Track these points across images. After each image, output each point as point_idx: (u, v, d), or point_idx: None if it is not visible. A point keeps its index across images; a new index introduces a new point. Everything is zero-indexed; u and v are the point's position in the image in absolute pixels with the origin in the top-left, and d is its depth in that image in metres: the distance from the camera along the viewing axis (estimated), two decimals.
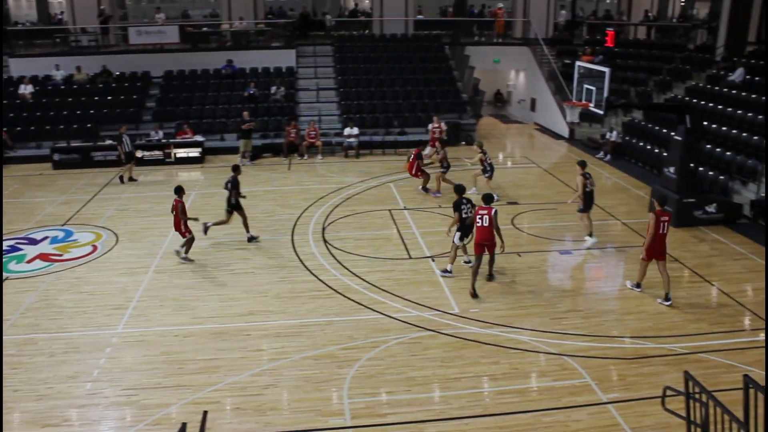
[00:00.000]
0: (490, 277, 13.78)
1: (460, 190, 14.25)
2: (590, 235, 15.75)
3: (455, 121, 26.95)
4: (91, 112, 26.19)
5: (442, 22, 36.00)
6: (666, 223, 12.48)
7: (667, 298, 12.54)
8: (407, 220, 17.46)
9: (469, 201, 14.08)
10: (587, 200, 15.46)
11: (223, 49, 30.51)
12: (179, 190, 14.84)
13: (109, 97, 27.08)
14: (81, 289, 13.42)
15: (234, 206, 15.80)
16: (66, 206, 18.88)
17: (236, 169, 16.16)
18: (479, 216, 13.01)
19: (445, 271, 13.96)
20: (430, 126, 23.78)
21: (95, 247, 15.74)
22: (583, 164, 15.62)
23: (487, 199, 13.33)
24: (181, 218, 14.59)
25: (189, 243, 14.94)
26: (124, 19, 38.29)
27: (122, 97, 27.24)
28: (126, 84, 28.31)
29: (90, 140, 24.27)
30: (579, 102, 18.00)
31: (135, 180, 21.67)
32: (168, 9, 42.56)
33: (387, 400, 9.61)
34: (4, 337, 11.24)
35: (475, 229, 13.29)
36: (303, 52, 31.01)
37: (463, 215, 13.80)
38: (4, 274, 14.08)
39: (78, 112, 26.08)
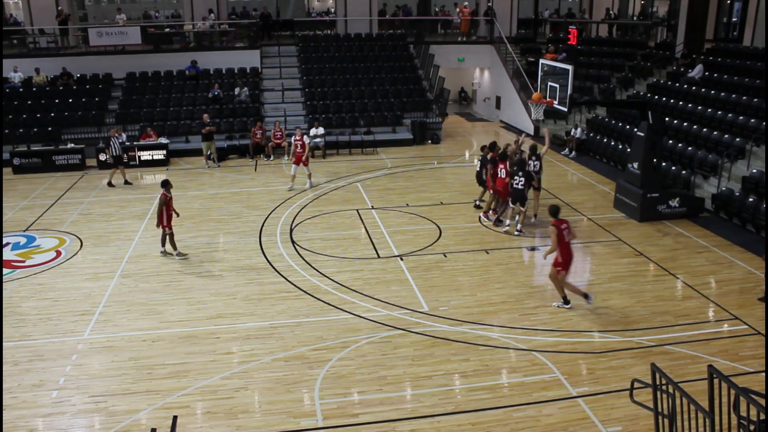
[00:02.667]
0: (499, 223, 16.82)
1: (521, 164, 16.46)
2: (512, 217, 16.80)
3: (421, 120, 27.06)
4: (52, 115, 25.72)
5: (406, 21, 36.02)
6: (567, 231, 12.06)
7: (567, 301, 12.36)
8: (375, 219, 17.46)
9: (525, 174, 15.98)
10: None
11: (187, 50, 30.19)
12: (165, 183, 14.89)
13: (70, 100, 26.64)
14: (45, 296, 13.16)
15: (482, 181, 17.82)
16: (27, 211, 18.51)
17: (493, 147, 17.63)
18: (499, 168, 16.45)
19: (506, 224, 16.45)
20: (292, 139, 20.85)
21: (59, 253, 15.46)
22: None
23: (503, 155, 16.59)
24: (160, 210, 14.66)
25: (166, 239, 15.02)
26: (84, 20, 37.67)
27: (84, 99, 26.81)
28: (87, 86, 27.85)
29: (51, 144, 23.85)
30: (543, 99, 18.14)
31: (129, 183, 21.29)
32: (129, 9, 41.97)
33: (359, 400, 9.60)
34: None
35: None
36: (267, 53, 30.84)
37: (515, 185, 15.93)
38: None
39: (38, 115, 25.59)
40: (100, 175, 22.24)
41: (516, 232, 16.17)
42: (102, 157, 23.02)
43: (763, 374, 10.08)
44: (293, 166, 20.41)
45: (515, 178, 15.94)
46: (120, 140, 23.30)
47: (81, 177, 22.18)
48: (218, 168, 23.14)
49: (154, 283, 13.69)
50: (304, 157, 20.22)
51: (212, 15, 32.60)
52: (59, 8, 31.54)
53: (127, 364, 10.60)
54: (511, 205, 16.30)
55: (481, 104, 35.24)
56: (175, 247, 15.08)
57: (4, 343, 11.21)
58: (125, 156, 22.34)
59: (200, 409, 9.40)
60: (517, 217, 16.23)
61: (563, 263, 12.03)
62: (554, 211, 12.37)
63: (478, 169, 18.17)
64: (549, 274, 12.52)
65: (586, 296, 12.33)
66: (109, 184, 21.06)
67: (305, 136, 20.58)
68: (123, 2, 41.60)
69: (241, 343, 11.21)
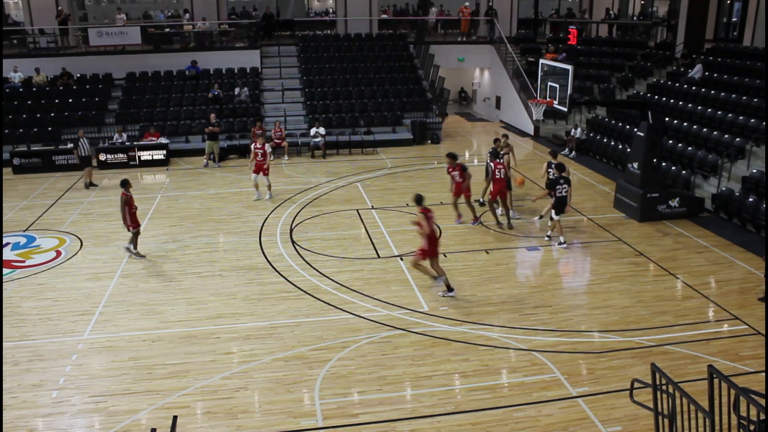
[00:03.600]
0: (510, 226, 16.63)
1: (560, 168, 15.64)
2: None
3: (421, 120, 27.06)
4: (52, 115, 25.71)
5: (407, 21, 36.00)
6: (431, 220, 12.65)
7: (450, 289, 12.91)
8: (375, 219, 17.47)
9: (566, 180, 15.31)
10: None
11: (187, 50, 30.18)
12: (124, 183, 14.91)
13: (70, 100, 26.63)
14: (45, 296, 13.16)
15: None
16: (27, 211, 18.50)
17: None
18: (497, 169, 16.25)
19: (560, 243, 15.50)
20: (252, 146, 19.72)
21: (59, 253, 15.46)
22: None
23: (494, 154, 16.77)
24: (123, 210, 14.69)
25: (134, 237, 15.06)
26: (84, 20, 37.67)
27: (84, 99, 26.80)
28: (87, 86, 27.85)
29: (51, 144, 23.85)
30: (543, 99, 18.16)
31: (95, 185, 21.13)
32: (129, 9, 41.97)
33: (359, 400, 9.60)
34: None
35: (493, 180, 16.44)
36: (267, 53, 30.84)
37: (558, 194, 15.18)
38: None
39: (38, 115, 25.58)
40: (101, 175, 22.25)
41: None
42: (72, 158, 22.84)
43: (763, 374, 10.09)
44: (253, 175, 19.12)
45: (557, 187, 15.18)
46: (118, 140, 23.38)
47: (81, 177, 22.15)
48: (218, 168, 23.11)
49: (154, 283, 13.70)
50: (265, 166, 18.98)
51: (187, 14, 32.59)
52: (59, 8, 31.53)
53: (127, 364, 10.60)
54: (555, 216, 15.41)
55: (481, 104, 35.24)
56: (135, 246, 15.11)
57: (4, 343, 11.22)
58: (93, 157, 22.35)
59: (200, 409, 9.40)
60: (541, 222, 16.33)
61: (429, 250, 12.58)
62: (419, 199, 12.87)
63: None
64: (411, 261, 13.07)
65: (435, 278, 12.80)
66: (90, 184, 21.00)
67: (267, 145, 19.16)
68: (123, 2, 41.61)
69: (241, 343, 11.21)
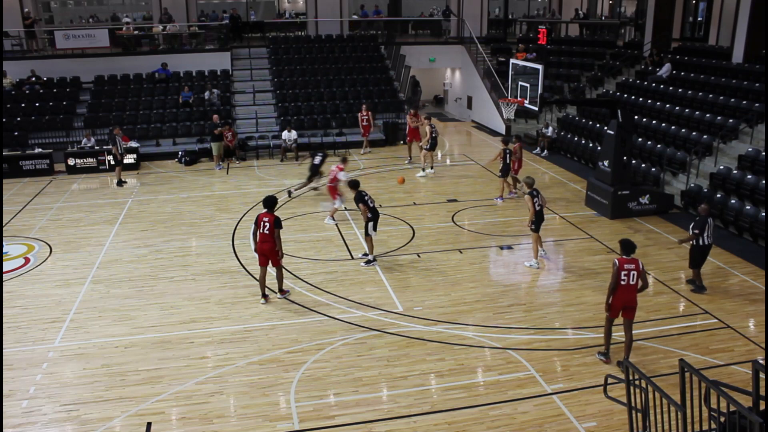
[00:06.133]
0: None
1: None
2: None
3: (393, 120, 27.08)
4: (18, 119, 25.26)
5: (377, 22, 36.03)
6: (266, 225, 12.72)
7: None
8: (348, 220, 17.44)
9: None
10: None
11: (156, 53, 29.83)
12: None
13: (37, 104, 26.17)
14: (14, 304, 12.92)
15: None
16: None
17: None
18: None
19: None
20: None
21: (27, 260, 15.21)
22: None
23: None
24: None
25: None
26: (50, 23, 37.12)
27: (51, 103, 26.34)
28: (54, 90, 27.40)
29: (18, 149, 23.44)
30: (514, 99, 18.29)
31: (124, 182, 21.55)
32: (96, 12, 41.48)
33: (335, 402, 9.58)
34: None
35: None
36: (238, 55, 30.64)
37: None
38: None
39: (3, 119, 25.10)
40: (69, 180, 21.94)
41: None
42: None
43: (733, 366, 10.26)
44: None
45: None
46: (87, 144, 23.15)
47: (49, 182, 21.85)
48: (223, 168, 23.08)
49: (126, 289, 13.53)
50: None
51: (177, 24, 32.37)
52: (26, 10, 31.00)
53: (100, 371, 10.45)
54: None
55: (453, 104, 35.37)
56: None
57: None
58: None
59: (175, 415, 9.30)
60: None
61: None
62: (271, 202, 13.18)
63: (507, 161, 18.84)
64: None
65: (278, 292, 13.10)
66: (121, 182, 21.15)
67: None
68: (90, 4, 41.09)
69: (215, 348, 11.13)
